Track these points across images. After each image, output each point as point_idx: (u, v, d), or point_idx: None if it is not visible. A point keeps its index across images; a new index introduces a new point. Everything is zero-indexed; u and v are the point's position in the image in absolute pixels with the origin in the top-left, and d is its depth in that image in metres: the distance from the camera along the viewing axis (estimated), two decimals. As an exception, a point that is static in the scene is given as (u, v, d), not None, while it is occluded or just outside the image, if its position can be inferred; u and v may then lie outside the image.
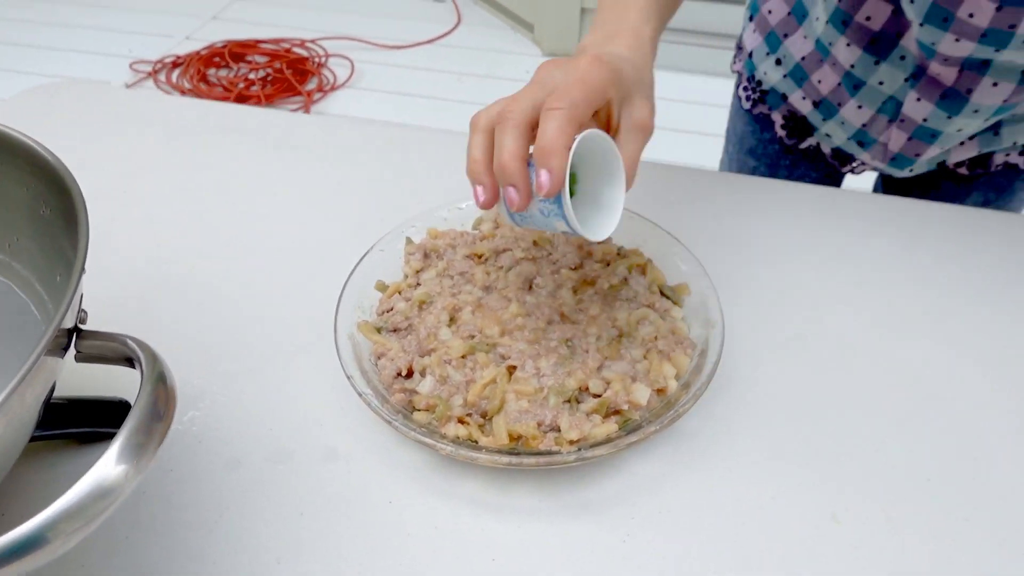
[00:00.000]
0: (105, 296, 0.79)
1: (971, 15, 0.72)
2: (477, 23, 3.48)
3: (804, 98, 1.00)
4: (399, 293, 0.75)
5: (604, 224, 0.60)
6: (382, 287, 0.76)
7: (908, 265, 0.84)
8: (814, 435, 0.67)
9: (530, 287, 0.75)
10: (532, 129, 0.56)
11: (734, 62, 1.13)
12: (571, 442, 0.63)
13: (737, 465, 0.65)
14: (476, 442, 0.64)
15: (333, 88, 3.01)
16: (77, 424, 0.67)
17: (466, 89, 3.03)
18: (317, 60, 3.13)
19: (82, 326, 0.54)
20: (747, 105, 1.10)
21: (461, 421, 0.65)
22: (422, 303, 0.73)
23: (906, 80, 0.87)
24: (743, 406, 0.70)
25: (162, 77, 3.07)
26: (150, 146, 1.01)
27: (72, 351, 0.54)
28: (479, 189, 0.58)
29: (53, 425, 0.65)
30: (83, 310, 0.55)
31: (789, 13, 0.96)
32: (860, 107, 0.94)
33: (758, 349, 0.75)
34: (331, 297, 0.73)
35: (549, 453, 0.62)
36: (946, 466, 0.65)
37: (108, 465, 0.44)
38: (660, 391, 0.66)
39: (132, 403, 0.47)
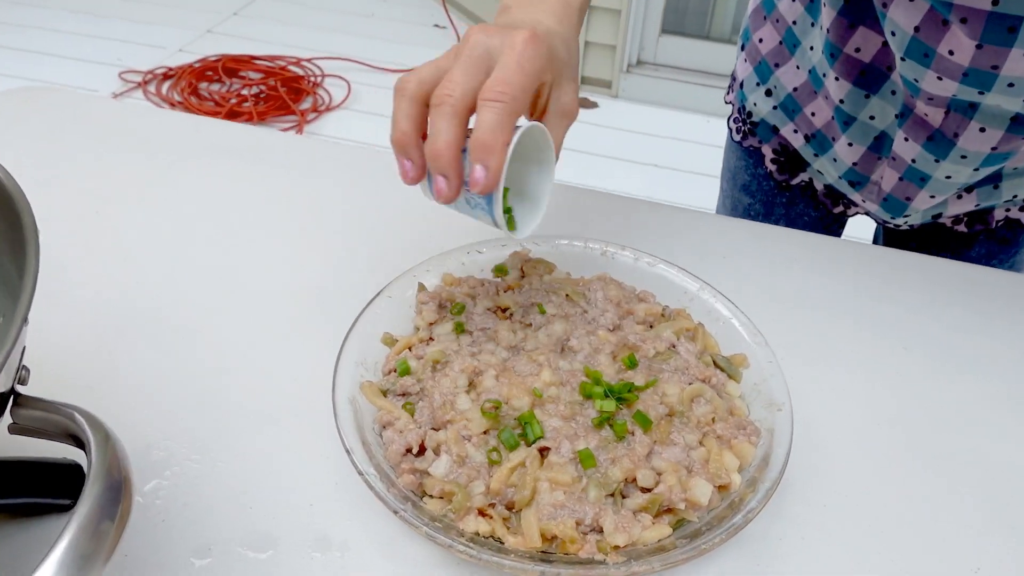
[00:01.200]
0: (59, 336, 0.68)
1: (951, 52, 0.67)
2: (479, 52, 3.41)
3: (796, 131, 0.94)
4: (410, 349, 0.64)
5: (528, 219, 0.60)
6: (390, 341, 0.65)
7: (1002, 343, 0.74)
8: (902, 542, 0.57)
9: (562, 349, 0.64)
10: (469, 113, 0.54)
11: (728, 92, 1.07)
12: (616, 548, 0.52)
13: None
14: (501, 541, 0.53)
15: (328, 108, 2.91)
16: (13, 493, 0.55)
17: (466, 118, 2.94)
18: (313, 79, 3.04)
19: (20, 388, 0.43)
20: (737, 137, 1.04)
21: (483, 514, 0.54)
22: (436, 363, 0.62)
23: (896, 117, 0.81)
24: (816, 508, 0.59)
25: (152, 88, 2.97)
26: (129, 163, 0.90)
27: (6, 419, 0.43)
28: (407, 164, 0.56)
29: (-18, 497, 0.53)
30: (24, 367, 0.43)
31: (780, 42, 0.90)
32: (851, 144, 0.87)
33: (829, 437, 0.64)
34: (330, 350, 0.62)
35: (591, 563, 0.51)
36: (1055, 592, 0.55)
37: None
38: (722, 488, 0.56)
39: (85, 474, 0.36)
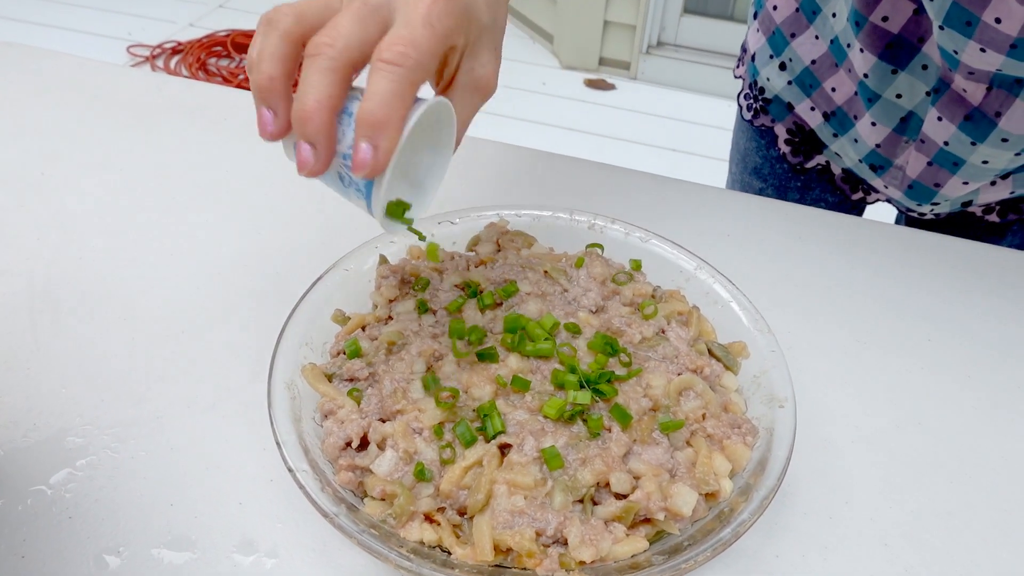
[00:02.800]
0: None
1: (998, 20, 0.59)
2: (495, 31, 3.32)
3: (813, 109, 0.85)
4: (363, 329, 0.57)
5: (412, 208, 0.48)
6: (342, 319, 0.58)
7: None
8: (920, 563, 0.49)
9: (537, 332, 0.56)
10: (351, 71, 0.43)
11: (737, 66, 0.97)
12: (582, 564, 0.44)
13: (810, 607, 0.47)
14: (448, 552, 0.45)
15: (338, 87, 2.84)
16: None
17: (478, 97, 2.86)
18: (324, 56, 2.96)
19: None
20: (748, 115, 0.95)
21: (429, 519, 0.47)
22: (391, 345, 0.54)
23: (927, 94, 0.72)
24: (819, 520, 0.51)
25: (160, 63, 2.91)
26: (82, 122, 0.83)
27: None
28: (268, 115, 0.43)
29: None
30: None
31: (797, 9, 0.81)
32: (874, 124, 0.78)
33: (836, 438, 0.56)
34: (276, 329, 0.55)
35: (550, 582, 0.43)
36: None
37: None
38: (710, 496, 0.48)
39: None
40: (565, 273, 0.60)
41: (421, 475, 0.47)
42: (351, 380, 0.53)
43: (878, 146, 0.80)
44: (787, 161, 0.93)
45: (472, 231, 0.65)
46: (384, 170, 0.42)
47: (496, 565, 0.45)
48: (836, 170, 0.92)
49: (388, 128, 0.41)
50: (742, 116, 0.97)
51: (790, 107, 0.88)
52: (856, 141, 0.82)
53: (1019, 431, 0.58)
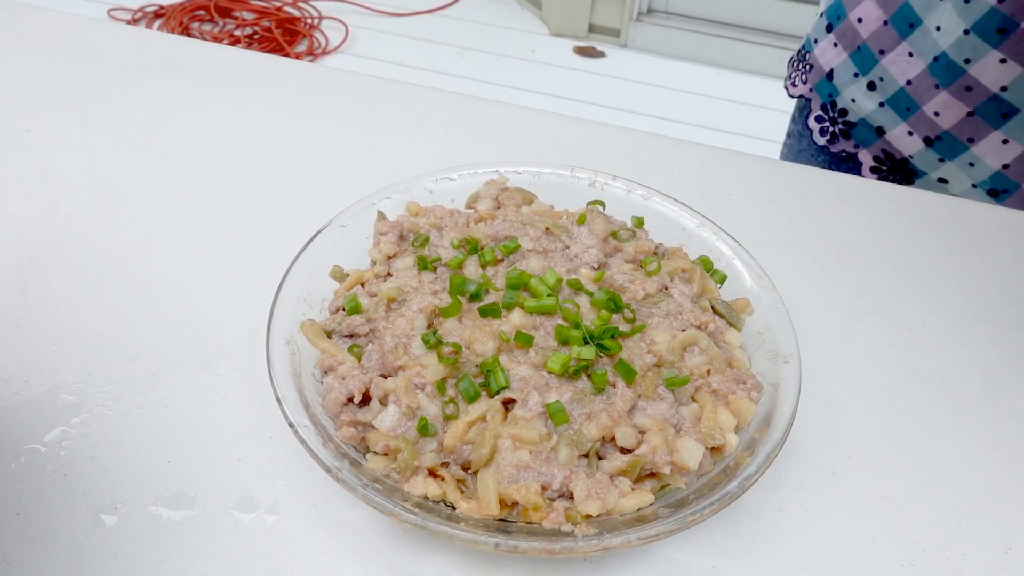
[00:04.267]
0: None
1: None
2: (483, -4, 3.27)
3: (911, 133, 0.77)
4: (362, 285, 0.56)
5: None
6: (340, 275, 0.57)
7: None
8: (923, 517, 0.49)
9: (538, 289, 0.56)
10: None
11: (793, 82, 0.89)
12: (588, 517, 0.44)
13: (817, 559, 0.47)
14: (453, 507, 0.45)
15: (324, 52, 2.80)
16: None
17: (468, 64, 2.83)
18: (309, 21, 2.91)
19: None
20: (822, 140, 0.86)
21: (433, 474, 0.46)
22: (391, 301, 0.53)
23: None
24: (823, 474, 0.51)
25: (141, 27, 2.85)
26: (67, 78, 0.81)
27: None
28: None
29: None
30: None
31: (886, 22, 0.74)
32: (1006, 142, 0.72)
33: (840, 395, 0.56)
34: (273, 285, 0.54)
35: (557, 534, 0.43)
36: (1102, 579, 0.47)
37: None
38: (715, 450, 0.47)
39: None
40: (567, 230, 0.59)
41: (424, 430, 0.46)
42: (351, 336, 0.52)
43: (1005, 167, 0.74)
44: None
45: (471, 188, 0.64)
46: None
47: (501, 519, 0.44)
48: (866, 160, 0.85)
49: None
50: (811, 140, 0.88)
51: (879, 132, 0.81)
52: (972, 165, 0.76)
53: (1019, 386, 0.58)
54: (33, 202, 0.66)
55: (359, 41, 2.90)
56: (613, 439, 0.47)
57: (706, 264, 0.59)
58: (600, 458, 0.46)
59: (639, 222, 0.61)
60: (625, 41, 3.00)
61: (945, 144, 0.76)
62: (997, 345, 0.61)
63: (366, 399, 0.49)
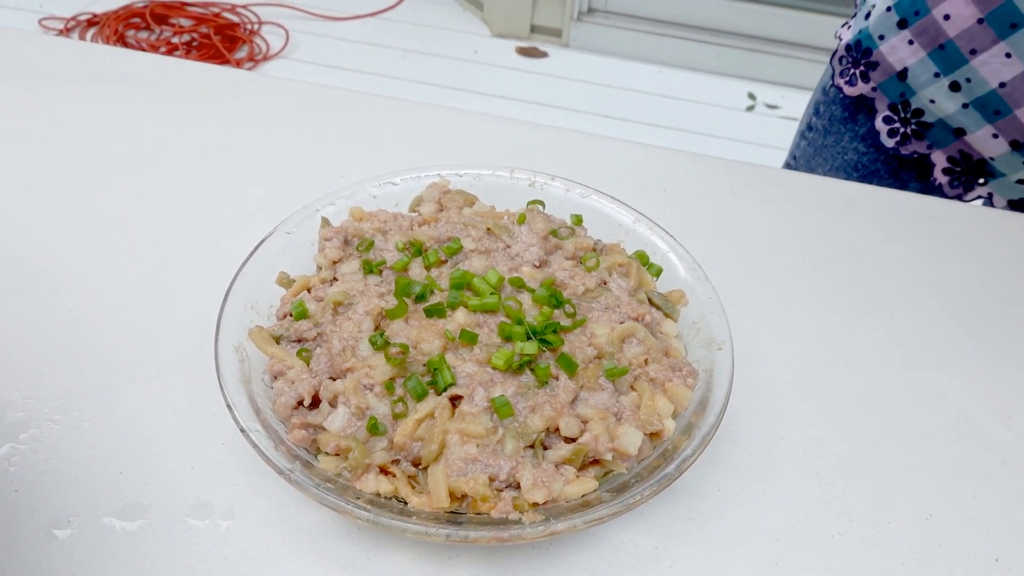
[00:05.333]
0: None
1: None
2: (424, -2, 3.27)
3: (996, 136, 0.76)
4: (308, 291, 0.57)
5: None
6: (286, 281, 0.58)
7: (950, 275, 0.69)
8: (852, 490, 0.52)
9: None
10: None
11: (849, 80, 0.84)
12: (535, 505, 0.46)
13: (754, 534, 0.49)
14: (404, 502, 0.46)
15: (265, 58, 2.76)
16: None
17: (410, 66, 2.83)
18: (249, 27, 2.88)
19: None
20: (891, 142, 0.83)
21: (384, 471, 0.48)
22: (338, 305, 0.55)
23: None
24: (758, 454, 0.54)
25: (74, 36, 2.78)
26: (3, 93, 0.80)
27: None
28: None
29: None
30: None
31: (981, 21, 0.70)
32: None
33: (772, 378, 0.59)
34: (219, 293, 0.54)
35: (505, 523, 0.45)
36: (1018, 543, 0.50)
37: None
38: (654, 435, 0.50)
39: None
40: (508, 230, 0.61)
41: (374, 429, 0.48)
42: (299, 341, 0.53)
43: None
44: (944, 193, 0.83)
45: (414, 191, 0.65)
46: None
47: (452, 512, 0.46)
48: (939, 161, 0.83)
49: None
50: (881, 142, 0.84)
51: (959, 133, 0.78)
52: None
53: (938, 364, 0.61)
54: (-30, 219, 0.66)
55: (300, 46, 2.87)
56: (557, 429, 0.48)
57: (642, 258, 0.61)
58: (545, 448, 0.48)
59: (578, 220, 0.63)
60: (567, 41, 3.03)
61: None
62: (916, 325, 0.64)
63: (316, 402, 0.50)
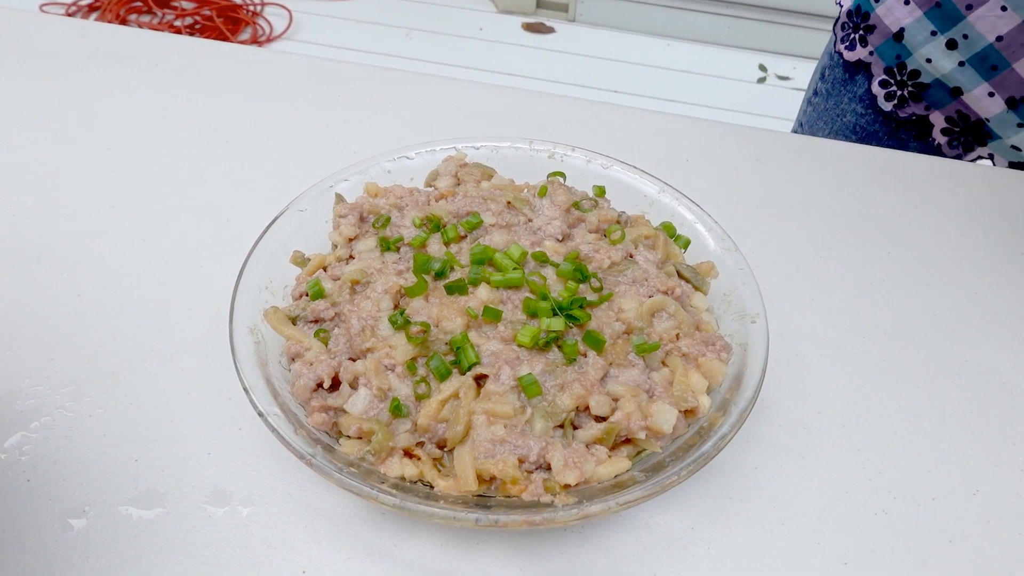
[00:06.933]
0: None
1: None
2: (428, -24, 3.23)
3: (992, 95, 0.75)
4: (324, 270, 0.55)
5: None
6: (301, 260, 0.56)
7: (989, 243, 0.67)
8: (893, 465, 0.50)
9: (503, 264, 0.55)
10: None
11: (849, 45, 0.84)
12: (566, 487, 0.44)
13: (793, 513, 0.47)
14: (430, 486, 0.44)
15: (268, 40, 2.73)
16: None
17: (415, 45, 2.79)
18: (251, 8, 2.84)
19: None
20: (888, 105, 0.83)
21: (409, 455, 0.46)
22: (355, 284, 0.53)
23: None
24: (794, 430, 0.52)
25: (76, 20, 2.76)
26: (5, 73, 0.78)
27: None
28: None
29: None
30: None
31: None
32: None
33: (805, 351, 0.57)
34: (232, 274, 0.52)
35: (537, 506, 0.43)
36: (1065, 514, 0.48)
37: None
38: (688, 412, 0.48)
39: None
40: (528, 203, 0.59)
41: (397, 411, 0.46)
42: (316, 321, 0.51)
43: None
44: (943, 153, 0.83)
45: (429, 165, 0.63)
46: None
47: (480, 495, 0.44)
48: (938, 122, 0.83)
49: None
50: (879, 106, 0.85)
51: (956, 92, 0.78)
52: None
53: (976, 335, 0.59)
54: (-26, 203, 0.64)
55: (304, 27, 2.84)
56: (587, 408, 0.47)
57: (669, 230, 0.59)
58: (575, 428, 0.46)
59: (600, 191, 0.61)
60: (574, 15, 2.99)
61: None
62: (955, 294, 0.62)
63: (335, 384, 0.48)
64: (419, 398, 0.47)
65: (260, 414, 0.45)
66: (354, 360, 0.49)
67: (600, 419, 0.46)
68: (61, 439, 0.49)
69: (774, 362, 0.53)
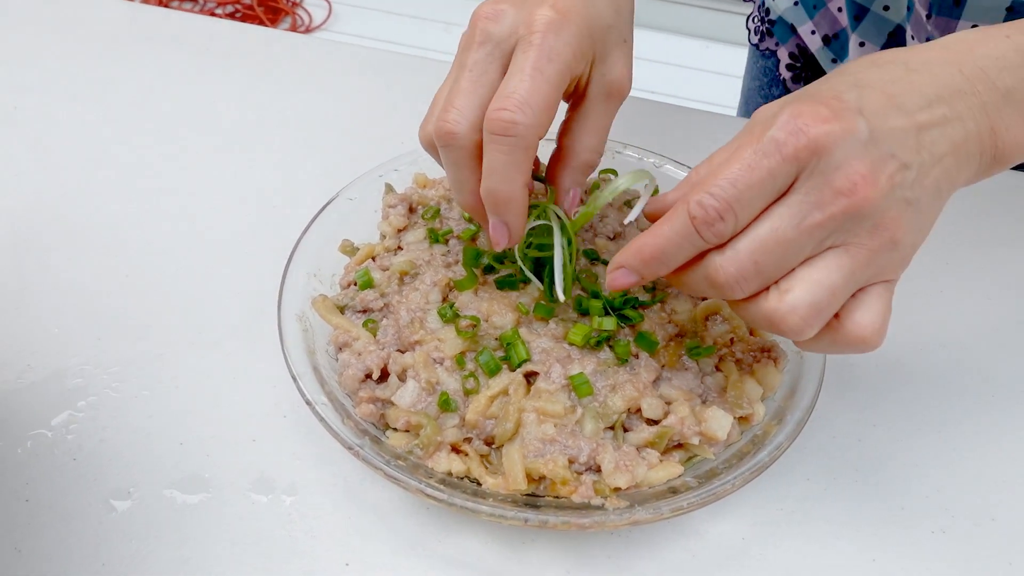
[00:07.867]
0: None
1: None
2: (468, -29, 3.22)
3: (814, 32, 0.79)
4: (373, 259, 0.54)
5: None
6: (350, 249, 0.55)
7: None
8: (953, 481, 0.48)
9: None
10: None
11: None
12: (616, 490, 0.43)
13: (847, 527, 0.46)
14: (478, 483, 0.44)
15: (308, 30, 2.74)
16: None
17: (454, 40, 2.78)
18: (292, -1, 2.86)
19: None
20: (755, 39, 0.90)
21: (456, 450, 0.45)
22: (404, 275, 0.52)
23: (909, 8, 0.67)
24: (848, 441, 0.50)
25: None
26: (54, 52, 0.78)
27: None
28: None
29: None
30: None
31: None
32: (863, 44, 0.73)
33: (860, 361, 0.55)
34: (280, 261, 0.52)
35: (587, 508, 0.42)
36: None
37: None
38: (743, 419, 0.46)
39: None
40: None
41: (446, 405, 0.45)
42: (364, 311, 0.51)
43: None
44: (787, 88, 0.89)
45: (479, 159, 0.62)
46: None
47: (529, 494, 0.43)
48: (784, 58, 0.88)
49: (511, 204, 0.42)
50: (749, 40, 0.93)
51: (793, 29, 0.83)
52: None
53: (1039, 351, 0.57)
54: (27, 180, 0.64)
55: (342, 18, 2.85)
56: (638, 411, 0.46)
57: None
58: (626, 430, 0.45)
59: (654, 191, 0.59)
60: (612, 15, 2.96)
61: (839, 43, 0.77)
62: (1016, 306, 0.60)
63: (383, 375, 0.47)
64: (467, 393, 0.46)
65: (308, 403, 0.44)
66: (402, 352, 0.48)
67: (652, 422, 0.45)
68: (107, 419, 0.49)
69: (828, 371, 0.51)
